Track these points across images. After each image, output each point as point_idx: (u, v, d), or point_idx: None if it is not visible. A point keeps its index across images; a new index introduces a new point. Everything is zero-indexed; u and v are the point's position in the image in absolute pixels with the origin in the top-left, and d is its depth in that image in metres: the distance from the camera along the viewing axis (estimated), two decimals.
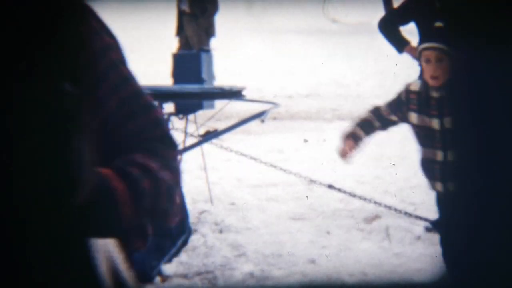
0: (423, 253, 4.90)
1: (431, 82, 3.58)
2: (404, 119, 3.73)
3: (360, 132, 3.78)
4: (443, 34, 5.50)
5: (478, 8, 3.04)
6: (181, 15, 10.11)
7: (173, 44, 10.56)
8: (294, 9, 24.19)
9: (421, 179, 6.65)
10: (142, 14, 21.24)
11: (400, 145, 8.58)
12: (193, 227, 5.41)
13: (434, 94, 3.60)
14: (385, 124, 3.80)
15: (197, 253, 4.93)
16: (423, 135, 3.67)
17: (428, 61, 3.58)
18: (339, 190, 5.14)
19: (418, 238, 5.21)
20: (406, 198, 6.28)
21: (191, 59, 6.39)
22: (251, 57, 17.38)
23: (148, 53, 17.34)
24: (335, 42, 20.50)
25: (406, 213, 5.60)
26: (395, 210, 5.65)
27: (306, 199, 6.13)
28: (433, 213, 5.58)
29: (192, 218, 5.59)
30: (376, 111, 3.77)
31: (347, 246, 5.01)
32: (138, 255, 4.59)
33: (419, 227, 5.38)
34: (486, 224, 3.17)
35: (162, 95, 5.06)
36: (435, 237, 5.22)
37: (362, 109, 12.44)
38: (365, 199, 5.74)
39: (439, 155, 3.63)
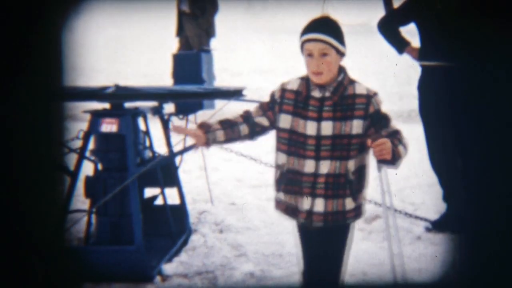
0: (423, 253, 4.91)
1: (313, 79, 3.08)
2: (275, 122, 3.16)
3: (217, 126, 3.18)
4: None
5: (479, 9, 3.04)
6: (181, 15, 10.10)
7: (173, 44, 10.55)
8: (294, 9, 24.17)
9: (421, 179, 6.68)
10: (142, 14, 21.23)
11: None
12: (193, 227, 5.42)
13: (316, 93, 3.09)
14: (253, 127, 3.21)
15: (197, 253, 4.93)
16: (294, 141, 3.10)
17: (310, 55, 3.07)
18: None
19: (418, 238, 5.21)
20: (406, 198, 6.28)
21: (191, 60, 6.38)
22: (251, 57, 17.37)
23: (148, 53, 17.34)
24: None
25: (406, 213, 5.60)
26: (395, 210, 5.65)
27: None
28: (433, 213, 5.59)
29: (192, 218, 5.59)
30: (246, 112, 3.26)
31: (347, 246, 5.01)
32: (138, 255, 4.56)
33: (419, 227, 5.38)
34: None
35: (162, 95, 5.06)
36: (435, 237, 5.22)
37: None
38: (365, 199, 5.74)
39: (310, 166, 3.07)
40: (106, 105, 4.80)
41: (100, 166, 4.78)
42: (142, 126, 5.02)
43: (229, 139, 3.22)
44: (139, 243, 4.45)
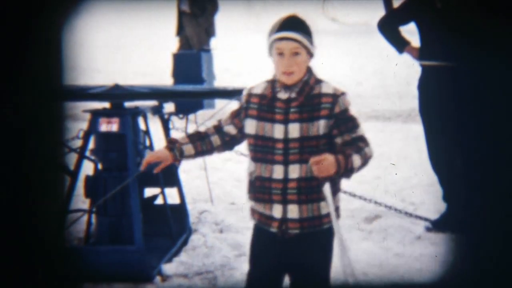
0: (423, 253, 4.90)
1: (283, 79, 2.97)
2: (242, 129, 3.06)
3: (185, 141, 3.10)
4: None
5: (479, 8, 3.04)
6: (181, 15, 10.10)
7: (173, 44, 10.55)
8: (294, 9, 24.17)
9: (421, 179, 6.68)
10: (142, 14, 21.22)
11: (400, 145, 8.59)
12: (193, 227, 5.41)
13: (282, 95, 2.98)
14: (223, 137, 3.12)
15: (197, 253, 4.93)
16: (260, 147, 2.98)
17: (281, 54, 2.96)
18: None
19: (418, 238, 5.21)
20: (406, 198, 6.28)
21: (191, 59, 6.38)
22: (251, 57, 17.37)
23: (148, 52, 17.34)
24: (335, 42, 20.48)
25: (406, 213, 5.60)
26: (395, 210, 5.65)
27: None
28: (433, 213, 5.59)
29: (192, 218, 5.59)
30: (218, 121, 3.16)
31: (348, 246, 5.01)
32: (138, 255, 4.56)
33: (419, 227, 5.37)
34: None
35: (162, 94, 5.06)
36: (435, 237, 5.22)
37: (362, 109, 12.45)
38: (365, 199, 5.74)
39: (279, 172, 2.95)
40: (106, 105, 4.80)
41: (100, 166, 4.78)
42: (142, 125, 5.01)
43: (200, 152, 3.12)
44: (139, 243, 4.45)
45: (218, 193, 6.46)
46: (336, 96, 2.98)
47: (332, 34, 22.68)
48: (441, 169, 5.38)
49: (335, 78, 16.47)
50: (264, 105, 3.00)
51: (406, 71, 12.70)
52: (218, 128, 3.14)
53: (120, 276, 4.39)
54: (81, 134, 4.63)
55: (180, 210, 5.30)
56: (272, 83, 3.02)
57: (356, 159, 2.91)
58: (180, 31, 10.13)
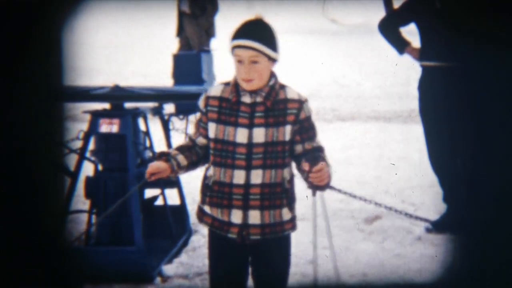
0: (423, 253, 4.90)
1: (243, 85, 2.90)
2: (206, 134, 2.98)
3: (175, 152, 3.01)
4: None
5: (479, 8, 3.04)
6: (181, 15, 10.10)
7: (173, 44, 10.55)
8: (294, 9, 24.19)
9: (421, 180, 6.68)
10: (143, 14, 21.23)
11: (400, 145, 8.59)
12: (193, 227, 5.41)
13: (246, 99, 2.91)
14: (200, 150, 3.03)
15: (197, 253, 4.93)
16: (219, 151, 2.91)
17: (240, 61, 2.90)
18: (339, 190, 5.13)
19: (419, 238, 5.21)
20: (406, 198, 6.28)
21: (191, 60, 6.39)
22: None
23: (148, 53, 17.34)
24: (335, 42, 20.50)
25: (406, 214, 5.59)
26: (396, 210, 5.64)
27: (306, 200, 6.11)
28: (433, 214, 5.58)
29: (192, 218, 5.58)
30: (188, 138, 3.09)
31: (348, 247, 5.01)
32: (139, 256, 4.55)
33: (419, 228, 5.37)
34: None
35: (163, 95, 5.05)
36: (436, 238, 5.22)
37: (362, 109, 12.42)
38: (365, 200, 5.74)
39: (240, 177, 2.89)
40: (106, 106, 4.80)
41: (100, 167, 4.78)
42: (142, 126, 5.01)
43: (191, 164, 3.02)
44: (139, 244, 4.45)
45: None
46: (302, 102, 2.94)
47: (332, 34, 22.70)
48: (441, 170, 5.37)
49: (335, 78, 16.52)
50: (225, 108, 2.94)
51: (406, 71, 12.71)
52: (193, 143, 3.04)
53: (120, 277, 4.39)
54: (81, 135, 4.63)
55: (180, 211, 5.30)
56: (236, 86, 2.95)
57: (331, 170, 2.92)
58: (180, 32, 10.14)
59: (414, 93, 5.56)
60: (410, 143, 8.27)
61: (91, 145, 4.72)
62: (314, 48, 19.34)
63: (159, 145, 5.55)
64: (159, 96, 5.01)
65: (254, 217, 2.91)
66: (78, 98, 4.69)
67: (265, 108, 2.91)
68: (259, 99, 2.92)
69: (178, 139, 5.05)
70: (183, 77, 6.21)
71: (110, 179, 4.66)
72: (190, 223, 5.38)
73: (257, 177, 2.89)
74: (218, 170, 2.93)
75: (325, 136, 9.12)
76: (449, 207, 5.38)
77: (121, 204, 4.73)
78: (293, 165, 3.03)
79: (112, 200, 4.62)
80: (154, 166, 3.01)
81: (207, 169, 3.01)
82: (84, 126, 4.65)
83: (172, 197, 5.40)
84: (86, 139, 4.63)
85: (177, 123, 5.88)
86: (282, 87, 2.97)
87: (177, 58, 6.50)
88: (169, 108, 5.77)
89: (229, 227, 2.95)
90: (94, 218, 4.82)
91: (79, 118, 4.99)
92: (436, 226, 5.33)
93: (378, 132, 9.41)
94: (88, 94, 4.72)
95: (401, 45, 5.54)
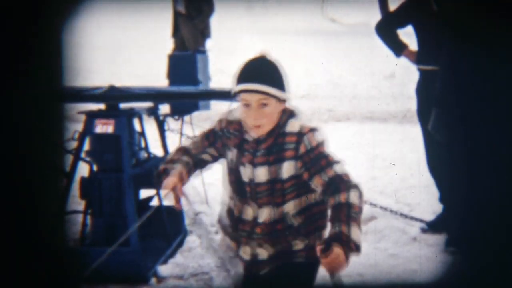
0: (418, 254, 4.91)
1: (253, 132, 2.71)
2: (219, 157, 2.87)
3: (176, 157, 2.86)
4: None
5: (475, 11, 3.04)
6: (176, 16, 10.10)
7: (168, 45, 10.55)
8: (294, 9, 24.20)
9: (416, 180, 6.68)
10: (138, 15, 21.22)
11: (396, 146, 8.60)
12: (188, 228, 5.41)
13: (250, 136, 2.75)
14: (202, 161, 2.91)
15: (192, 254, 4.92)
16: (235, 182, 2.78)
17: (247, 105, 2.67)
18: None
19: (414, 239, 5.21)
20: (401, 199, 6.28)
21: (186, 60, 6.37)
22: (247, 58, 17.38)
23: (144, 53, 17.33)
24: (333, 43, 20.51)
25: (401, 214, 5.60)
26: (391, 211, 5.65)
27: None
28: (429, 214, 5.59)
29: (188, 219, 5.58)
30: (185, 149, 2.90)
31: None
32: (134, 256, 4.55)
33: (414, 228, 5.38)
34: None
35: (158, 96, 5.05)
36: (431, 238, 5.22)
37: (358, 110, 12.41)
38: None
39: (248, 213, 2.75)
40: (102, 106, 4.79)
41: (95, 167, 4.77)
42: (137, 127, 5.01)
43: (195, 165, 2.87)
44: (135, 245, 4.44)
45: (213, 195, 6.45)
46: (302, 135, 2.68)
47: (330, 34, 22.72)
48: (439, 173, 5.36)
49: (331, 78, 16.52)
50: (238, 142, 2.78)
51: (402, 72, 12.73)
52: (192, 155, 2.87)
53: (116, 277, 4.38)
54: (77, 135, 4.62)
55: (175, 212, 5.29)
56: (240, 121, 2.78)
57: (357, 230, 2.54)
58: (176, 32, 10.14)
59: (410, 93, 5.57)
60: (406, 143, 8.29)
61: (86, 146, 4.72)
62: (312, 48, 19.36)
63: (154, 146, 5.55)
64: (154, 96, 5.00)
65: (262, 254, 2.76)
66: (74, 99, 4.68)
67: (267, 145, 2.72)
68: (262, 136, 2.73)
69: (173, 140, 5.06)
70: (178, 78, 6.20)
71: (105, 179, 4.66)
72: (185, 223, 5.38)
73: (263, 215, 2.73)
74: (232, 200, 2.81)
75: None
76: (445, 207, 5.38)
77: (116, 205, 4.74)
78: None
79: (107, 201, 4.62)
80: (170, 183, 2.75)
81: (224, 189, 2.86)
82: (79, 127, 4.65)
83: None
84: (81, 140, 4.62)
85: (172, 123, 5.87)
86: (288, 118, 2.75)
87: (172, 59, 6.48)
88: (164, 108, 5.76)
89: (240, 261, 2.84)
90: (89, 219, 4.82)
91: (74, 119, 4.98)
92: (431, 227, 5.34)
93: (374, 133, 9.43)
94: (83, 95, 4.72)
95: (398, 48, 5.52)
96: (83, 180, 4.71)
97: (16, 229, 2.06)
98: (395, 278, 4.54)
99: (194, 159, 2.87)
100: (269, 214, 2.72)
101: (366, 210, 5.78)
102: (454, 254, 4.69)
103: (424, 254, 4.88)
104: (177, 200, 2.77)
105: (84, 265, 4.09)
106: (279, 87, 2.70)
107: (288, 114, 2.74)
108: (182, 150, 2.90)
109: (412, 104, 5.49)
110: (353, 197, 2.62)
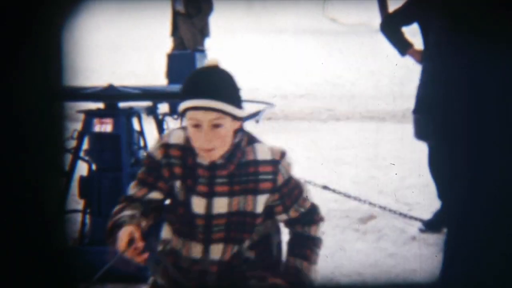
0: (418, 253, 4.91)
1: (203, 155, 2.29)
2: (171, 191, 2.39)
3: (127, 213, 2.44)
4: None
5: (482, 7, 3.03)
6: (175, 15, 10.09)
7: (167, 44, 10.55)
8: (294, 9, 24.20)
9: (415, 180, 6.68)
10: (137, 14, 21.22)
11: (395, 145, 8.60)
12: None
13: (205, 160, 2.32)
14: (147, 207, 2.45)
15: None
16: (180, 216, 2.38)
17: (196, 126, 2.25)
18: (334, 190, 5.13)
19: (413, 238, 5.21)
20: (400, 198, 6.29)
21: (185, 59, 6.39)
22: (249, 57, 17.38)
23: (143, 52, 17.33)
24: (333, 42, 20.51)
25: (400, 214, 5.60)
26: (390, 210, 5.65)
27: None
28: (428, 214, 5.59)
29: None
30: (127, 199, 2.50)
31: (342, 247, 5.01)
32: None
33: (413, 228, 5.38)
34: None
35: (157, 95, 5.05)
36: (430, 238, 5.22)
37: (357, 109, 12.44)
38: (360, 200, 5.74)
39: (197, 251, 2.36)
40: (100, 105, 4.79)
41: (94, 166, 4.77)
42: (136, 126, 5.01)
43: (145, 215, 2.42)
44: None
45: None
46: (276, 163, 2.33)
47: (331, 34, 22.72)
48: (439, 175, 5.34)
49: (330, 78, 16.56)
50: (187, 165, 2.35)
51: (401, 71, 12.73)
52: (139, 199, 2.44)
53: (114, 277, 4.38)
54: (76, 134, 4.62)
55: None
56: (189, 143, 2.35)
57: (315, 268, 2.39)
58: (175, 31, 10.13)
59: (409, 93, 5.56)
60: (405, 143, 8.28)
61: (85, 145, 4.71)
62: (311, 48, 19.35)
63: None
64: (153, 95, 5.00)
65: None
66: (72, 98, 4.68)
67: (228, 172, 2.32)
68: (220, 160, 2.31)
69: None
70: (177, 77, 6.21)
71: (104, 178, 4.65)
72: None
73: (216, 252, 2.36)
74: (176, 238, 2.43)
75: (319, 136, 9.15)
76: (443, 205, 5.38)
77: (115, 204, 4.73)
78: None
79: (106, 200, 4.61)
80: (125, 235, 2.34)
81: (160, 226, 2.51)
82: (78, 126, 4.65)
83: None
84: (80, 139, 4.62)
85: (171, 123, 5.87)
86: (251, 142, 2.37)
87: (171, 58, 6.50)
88: (163, 107, 5.76)
89: None
90: (88, 218, 4.81)
91: (73, 118, 4.97)
92: (429, 226, 5.33)
93: (373, 132, 9.43)
94: (82, 94, 4.72)
95: (403, 47, 5.43)
96: (82, 179, 4.71)
97: (15, 228, 2.06)
98: (394, 277, 4.54)
99: (142, 206, 2.43)
100: (223, 250, 2.36)
101: (366, 209, 5.79)
102: (453, 254, 4.68)
103: (423, 253, 4.88)
104: (138, 253, 2.34)
105: (83, 264, 4.09)
106: (235, 104, 2.30)
107: (248, 136, 2.39)
108: (124, 201, 2.49)
109: (411, 103, 5.48)
110: (319, 231, 2.45)
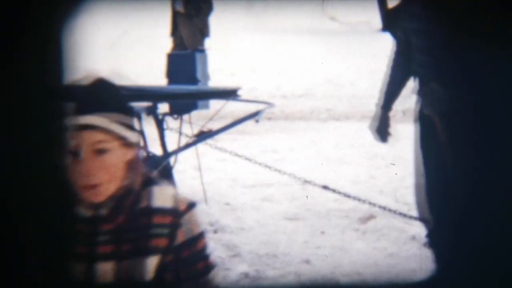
0: (417, 253, 4.91)
1: (85, 195, 1.72)
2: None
3: None
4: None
5: (483, 9, 3.03)
6: (175, 15, 10.10)
7: (167, 44, 10.56)
8: (294, 9, 24.20)
9: (416, 180, 6.67)
10: (137, 14, 21.22)
11: (394, 145, 8.60)
12: None
13: (85, 211, 1.77)
14: None
15: None
16: None
17: (74, 154, 1.73)
18: (334, 190, 5.13)
19: (413, 238, 5.21)
20: (400, 198, 6.29)
21: (185, 59, 6.38)
22: (248, 57, 17.38)
23: (143, 52, 17.33)
24: (333, 42, 20.51)
25: (400, 213, 5.60)
26: (390, 210, 5.65)
27: (301, 199, 6.13)
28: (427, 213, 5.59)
29: None
30: None
31: (342, 246, 5.01)
32: None
33: (413, 227, 5.38)
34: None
35: (157, 95, 5.05)
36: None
37: (357, 108, 12.47)
38: (359, 199, 5.75)
39: None
40: None
41: None
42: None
43: None
44: None
45: (212, 194, 6.46)
46: (178, 214, 1.75)
47: (331, 33, 22.72)
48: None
49: (330, 78, 16.57)
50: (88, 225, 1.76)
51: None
52: None
53: None
54: None
55: None
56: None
57: None
58: (175, 31, 10.14)
59: (409, 93, 5.56)
60: (404, 142, 8.28)
61: None
62: (312, 47, 19.35)
63: (154, 145, 5.55)
64: (153, 95, 5.00)
65: None
66: (73, 98, 4.67)
67: (115, 226, 1.73)
68: (104, 211, 1.73)
69: (172, 139, 5.06)
70: (177, 77, 6.21)
71: None
72: None
73: None
74: None
75: (319, 135, 9.15)
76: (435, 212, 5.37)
77: None
78: None
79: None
80: None
81: None
82: None
83: None
84: None
85: (171, 122, 5.87)
86: (148, 184, 1.77)
87: (171, 58, 6.49)
88: (163, 107, 5.77)
89: None
90: None
91: None
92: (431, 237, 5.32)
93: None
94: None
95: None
96: None
97: (14, 228, 2.06)
98: (394, 277, 4.55)
99: None
100: None
101: (365, 209, 5.79)
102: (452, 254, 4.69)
103: (423, 253, 4.89)
104: None
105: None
106: (126, 125, 1.78)
107: (143, 174, 1.79)
108: None
109: (411, 103, 5.49)
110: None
